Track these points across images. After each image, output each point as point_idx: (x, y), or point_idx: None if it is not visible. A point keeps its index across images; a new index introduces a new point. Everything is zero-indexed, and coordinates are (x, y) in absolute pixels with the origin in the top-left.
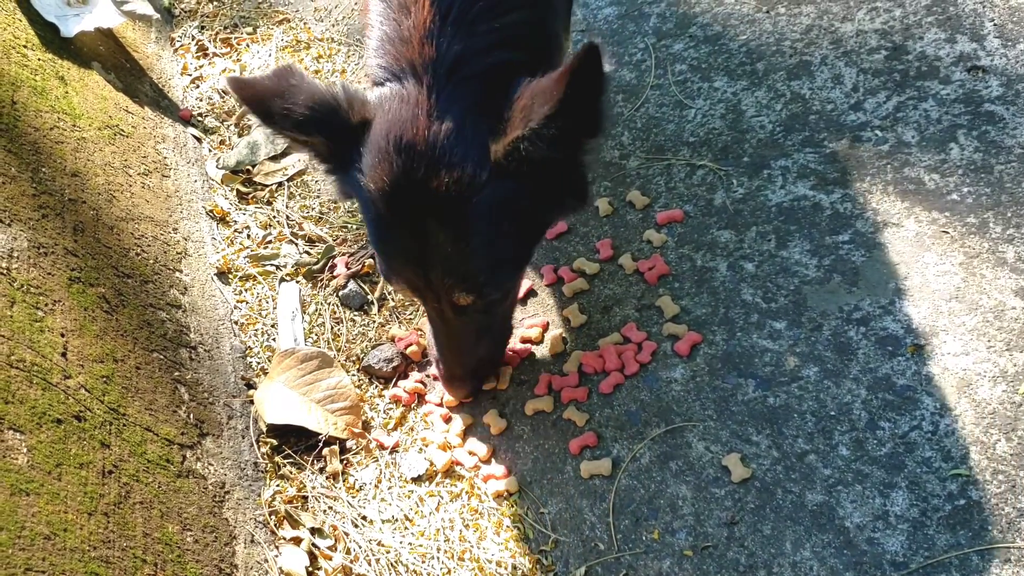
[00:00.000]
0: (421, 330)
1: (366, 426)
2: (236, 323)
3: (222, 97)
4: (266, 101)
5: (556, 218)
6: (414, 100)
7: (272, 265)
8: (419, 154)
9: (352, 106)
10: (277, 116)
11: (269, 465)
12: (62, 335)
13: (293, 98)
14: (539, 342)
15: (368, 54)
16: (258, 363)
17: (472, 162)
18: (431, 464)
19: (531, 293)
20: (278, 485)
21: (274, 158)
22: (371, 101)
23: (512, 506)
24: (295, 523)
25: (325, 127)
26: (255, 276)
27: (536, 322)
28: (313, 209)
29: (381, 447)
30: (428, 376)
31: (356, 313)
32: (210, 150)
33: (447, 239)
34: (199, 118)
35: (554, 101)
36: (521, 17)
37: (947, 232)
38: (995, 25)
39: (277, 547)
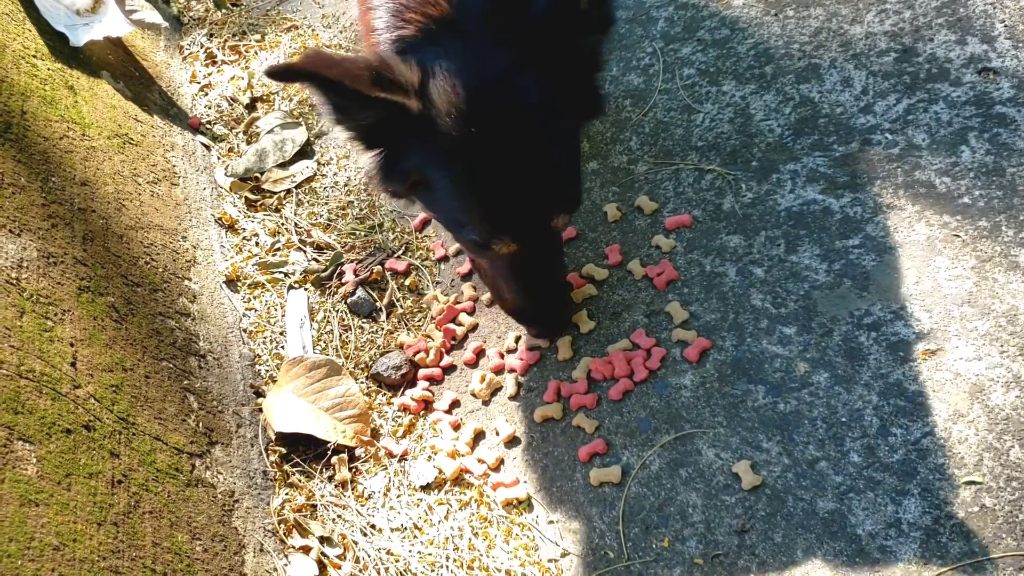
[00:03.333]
0: (430, 336)
1: (375, 434)
2: (245, 331)
3: (231, 105)
4: (321, 71)
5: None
6: (462, 48)
7: (280, 272)
8: (497, 88)
9: (404, 70)
10: (347, 79)
11: (278, 474)
12: (71, 345)
13: (349, 64)
14: (548, 348)
15: (377, 34)
16: (267, 371)
17: (538, 85)
18: (440, 472)
19: None
20: (287, 494)
21: (282, 165)
22: (409, 67)
23: (521, 514)
24: (304, 532)
25: (398, 85)
26: (264, 284)
27: None
28: (321, 216)
29: (390, 455)
30: (435, 384)
31: (364, 320)
32: (219, 158)
33: (543, 159)
34: (208, 126)
35: None
36: None
37: (958, 236)
38: (1006, 26)
39: (286, 556)
